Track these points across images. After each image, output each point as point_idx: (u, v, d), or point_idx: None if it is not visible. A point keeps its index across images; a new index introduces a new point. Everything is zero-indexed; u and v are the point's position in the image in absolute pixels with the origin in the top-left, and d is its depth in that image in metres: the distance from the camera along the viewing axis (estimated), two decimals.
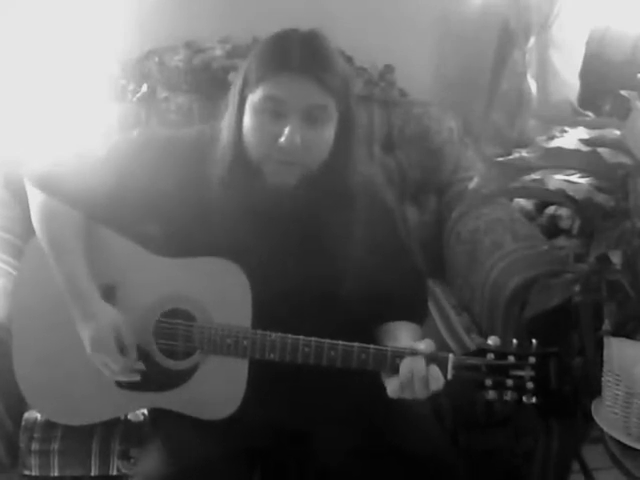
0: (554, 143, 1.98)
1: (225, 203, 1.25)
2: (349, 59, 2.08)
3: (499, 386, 1.17)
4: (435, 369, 1.16)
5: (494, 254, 1.75)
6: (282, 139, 1.18)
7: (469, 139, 2.20)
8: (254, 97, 1.20)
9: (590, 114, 2.11)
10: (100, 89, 2.00)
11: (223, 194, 1.25)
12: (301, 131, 1.18)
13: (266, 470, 1.36)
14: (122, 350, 1.26)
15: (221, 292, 1.27)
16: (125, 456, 1.44)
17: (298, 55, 1.18)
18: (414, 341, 1.24)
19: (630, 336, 1.41)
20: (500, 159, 1.64)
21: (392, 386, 1.18)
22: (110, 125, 1.93)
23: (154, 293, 1.30)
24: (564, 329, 1.55)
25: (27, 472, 1.45)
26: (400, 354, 1.18)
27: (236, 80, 1.25)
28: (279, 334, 1.23)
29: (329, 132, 1.23)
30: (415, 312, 1.37)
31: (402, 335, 1.28)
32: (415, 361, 1.16)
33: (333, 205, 1.27)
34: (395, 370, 1.18)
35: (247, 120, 1.22)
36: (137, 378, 1.29)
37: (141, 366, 1.28)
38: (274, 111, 1.19)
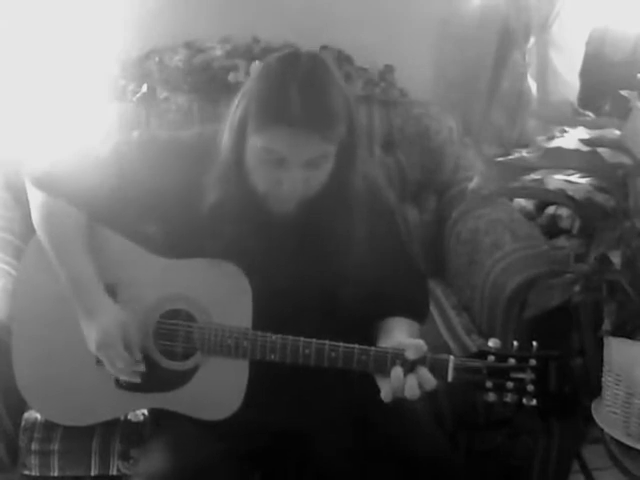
0: (554, 143, 1.98)
1: (219, 209, 1.25)
2: (349, 59, 2.08)
3: (499, 388, 1.17)
4: (423, 370, 1.16)
5: (494, 254, 1.75)
6: (284, 186, 1.18)
7: (469, 139, 2.20)
8: (254, 141, 1.18)
9: (590, 114, 2.11)
10: (100, 89, 2.00)
11: (217, 202, 1.25)
12: (302, 177, 1.18)
13: (266, 471, 1.36)
14: (128, 347, 1.26)
15: (222, 293, 1.27)
16: (125, 456, 1.44)
17: (299, 106, 1.13)
18: (410, 337, 1.24)
19: (630, 336, 1.41)
20: (500, 159, 1.64)
21: (384, 391, 1.18)
22: (110, 125, 1.92)
23: (154, 294, 1.30)
24: (564, 329, 1.55)
25: (27, 472, 1.45)
26: (400, 356, 1.18)
27: (237, 107, 1.21)
28: (279, 335, 1.23)
29: (329, 165, 1.22)
30: (414, 309, 1.36)
31: (396, 331, 1.27)
32: (397, 371, 1.16)
33: (334, 209, 1.27)
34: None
35: (249, 157, 1.21)
36: (138, 380, 1.29)
37: (142, 368, 1.28)
38: (274, 160, 1.17)
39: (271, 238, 1.26)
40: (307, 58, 1.19)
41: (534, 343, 1.18)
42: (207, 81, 2.02)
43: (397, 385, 1.15)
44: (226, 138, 1.24)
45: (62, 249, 1.29)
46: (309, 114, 1.14)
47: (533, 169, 1.53)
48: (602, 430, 1.44)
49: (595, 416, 1.45)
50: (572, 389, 1.17)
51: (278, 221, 1.26)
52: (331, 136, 1.17)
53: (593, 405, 1.48)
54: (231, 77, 1.98)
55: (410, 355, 1.16)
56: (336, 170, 1.23)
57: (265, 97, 1.18)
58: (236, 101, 1.22)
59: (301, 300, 1.26)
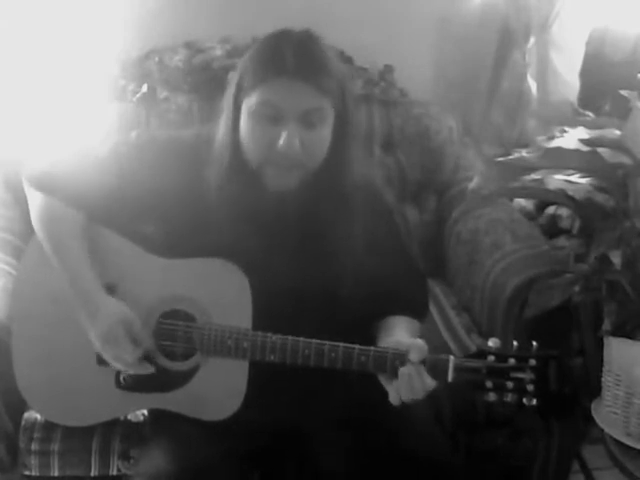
0: (554, 143, 1.98)
1: (224, 205, 1.25)
2: (349, 59, 2.08)
3: (499, 388, 1.17)
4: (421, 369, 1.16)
5: (494, 254, 1.75)
6: (280, 143, 1.18)
7: (469, 139, 2.20)
8: (250, 101, 1.20)
9: (590, 114, 2.11)
10: (100, 89, 2.00)
11: (222, 196, 1.25)
12: (299, 134, 1.18)
13: (266, 471, 1.36)
14: (133, 338, 1.25)
15: (221, 293, 1.27)
16: (125, 456, 1.44)
17: (292, 59, 1.17)
18: (411, 336, 1.24)
19: (630, 336, 1.41)
20: (500, 159, 1.64)
21: (392, 394, 1.18)
22: (110, 125, 1.92)
23: (154, 294, 1.30)
24: (564, 329, 1.55)
25: (27, 472, 1.45)
26: (400, 356, 1.18)
27: (231, 83, 1.25)
28: (279, 336, 1.23)
29: (326, 132, 1.23)
30: (413, 308, 1.36)
31: (396, 330, 1.28)
32: (410, 369, 1.16)
33: (332, 205, 1.27)
34: (395, 373, 1.18)
35: (243, 124, 1.22)
36: (151, 370, 1.28)
37: (152, 346, 1.28)
38: (270, 115, 1.19)
39: (271, 236, 1.26)
40: (300, 30, 1.24)
41: (534, 343, 1.18)
42: (207, 81, 2.02)
43: (404, 386, 1.16)
44: (223, 118, 1.25)
45: (61, 250, 1.29)
46: (303, 65, 1.17)
47: (533, 169, 1.53)
48: (602, 430, 1.44)
49: (595, 416, 1.45)
50: (572, 389, 1.17)
51: (274, 203, 1.24)
52: (325, 87, 1.19)
53: (593, 405, 1.48)
54: (231, 77, 1.97)
55: (413, 357, 1.16)
56: (332, 150, 1.24)
57: (260, 56, 1.22)
58: (230, 77, 1.25)
59: (301, 300, 1.26)
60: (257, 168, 1.22)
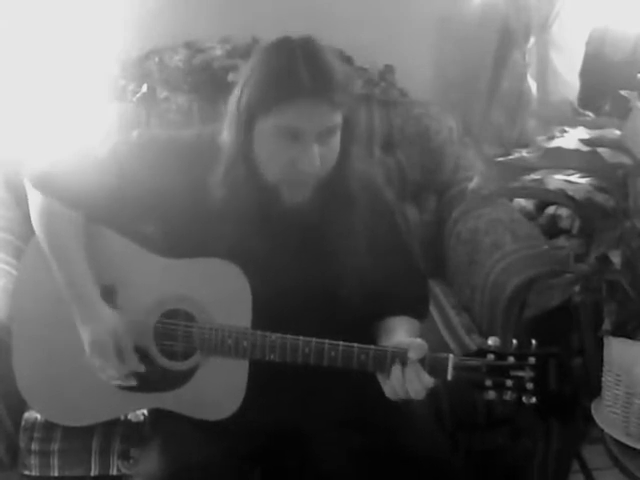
0: (554, 143, 1.98)
1: (228, 207, 1.25)
2: (349, 59, 2.08)
3: (499, 386, 1.17)
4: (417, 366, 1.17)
5: (494, 254, 1.75)
6: (302, 164, 1.17)
7: (469, 139, 2.20)
8: (266, 122, 1.18)
9: (590, 114, 2.11)
10: (100, 89, 2.00)
11: (226, 199, 1.24)
12: (316, 154, 1.18)
13: (266, 471, 1.36)
14: (120, 355, 1.26)
15: (221, 293, 1.27)
16: (125, 456, 1.44)
17: (307, 77, 1.15)
18: (411, 336, 1.24)
19: (630, 336, 1.41)
20: (500, 159, 1.64)
21: (387, 390, 1.19)
22: (110, 125, 1.92)
23: (154, 293, 1.30)
24: (564, 329, 1.55)
25: (27, 472, 1.45)
26: (400, 355, 1.18)
27: (240, 99, 1.20)
28: (279, 334, 1.23)
29: (337, 140, 1.22)
30: (414, 307, 1.37)
31: (398, 330, 1.28)
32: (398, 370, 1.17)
33: (335, 206, 1.27)
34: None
35: (259, 143, 1.20)
36: (133, 383, 1.29)
37: (141, 368, 1.28)
38: (289, 136, 1.17)
39: (274, 237, 1.26)
40: (300, 38, 1.21)
41: (533, 341, 1.18)
42: (207, 81, 2.02)
43: (397, 384, 1.16)
44: (230, 132, 1.23)
45: (59, 252, 1.29)
46: (318, 83, 1.15)
47: (533, 169, 1.53)
48: (602, 430, 1.44)
49: (595, 416, 1.45)
50: (572, 388, 1.17)
51: (288, 214, 1.24)
52: (339, 102, 1.18)
53: (593, 405, 1.48)
54: (231, 77, 1.98)
55: (413, 355, 1.17)
56: (340, 154, 1.24)
57: (270, 74, 1.18)
58: (236, 93, 1.22)
59: (302, 300, 1.25)
60: (274, 184, 1.22)
